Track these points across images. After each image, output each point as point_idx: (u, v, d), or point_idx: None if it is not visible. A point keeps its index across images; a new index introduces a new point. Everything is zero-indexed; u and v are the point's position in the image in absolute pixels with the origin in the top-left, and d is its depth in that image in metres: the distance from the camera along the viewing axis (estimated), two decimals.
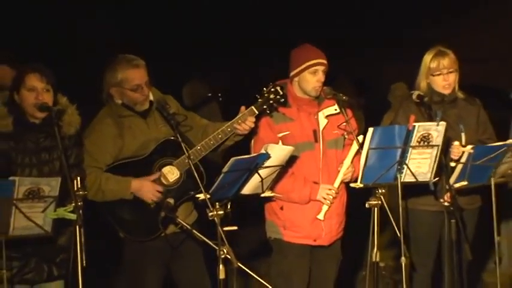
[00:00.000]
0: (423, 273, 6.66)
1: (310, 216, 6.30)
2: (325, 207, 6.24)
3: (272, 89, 6.09)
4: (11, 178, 5.18)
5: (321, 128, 6.33)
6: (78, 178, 5.39)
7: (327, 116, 6.35)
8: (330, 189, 6.21)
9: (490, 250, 7.07)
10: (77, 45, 20.07)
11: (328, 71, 6.37)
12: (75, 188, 5.32)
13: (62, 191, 5.27)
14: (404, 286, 6.13)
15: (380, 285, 6.31)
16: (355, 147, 6.12)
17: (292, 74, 6.34)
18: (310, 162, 6.29)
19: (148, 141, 6.06)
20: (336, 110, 6.34)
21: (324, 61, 6.30)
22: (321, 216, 6.26)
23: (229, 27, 24.19)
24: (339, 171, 6.27)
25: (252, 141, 6.29)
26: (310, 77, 6.26)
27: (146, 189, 5.93)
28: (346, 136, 6.29)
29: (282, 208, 6.36)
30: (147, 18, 23.17)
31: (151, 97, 6.14)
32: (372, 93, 10.92)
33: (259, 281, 5.94)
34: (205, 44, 22.31)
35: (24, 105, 5.62)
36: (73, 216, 5.28)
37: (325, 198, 6.21)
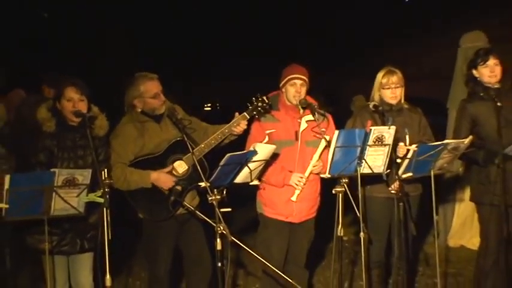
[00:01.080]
0: (377, 246, 6.67)
1: (284, 198, 6.39)
2: (297, 191, 6.35)
3: (260, 99, 6.21)
4: (52, 170, 5.25)
5: (301, 130, 6.40)
6: (105, 170, 5.46)
7: (307, 121, 6.43)
8: (301, 177, 6.32)
9: (429, 227, 7.10)
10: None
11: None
12: (103, 178, 5.40)
13: (92, 180, 5.34)
14: (362, 256, 6.21)
15: (343, 254, 6.37)
16: (322, 145, 6.22)
17: (280, 85, 6.47)
18: (289, 155, 6.36)
19: (162, 142, 6.12)
20: (312, 117, 6.41)
21: (302, 76, 6.39)
22: (293, 198, 6.36)
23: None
24: (309, 164, 6.39)
25: (248, 139, 6.36)
26: (291, 88, 6.37)
27: (163, 179, 6.00)
28: (321, 138, 6.37)
29: (264, 189, 6.48)
30: None
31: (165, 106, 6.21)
32: (338, 103, 10.95)
33: (248, 251, 6.03)
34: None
35: (64, 111, 5.70)
36: (101, 200, 5.34)
37: (296, 184, 6.33)
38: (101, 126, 5.86)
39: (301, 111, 6.44)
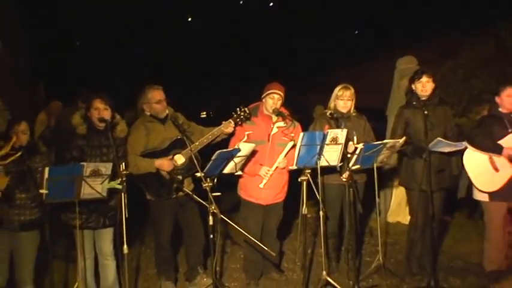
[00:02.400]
0: (332, 221, 6.66)
1: (255, 185, 6.41)
2: (264, 180, 6.36)
3: (242, 109, 6.23)
4: (81, 163, 5.27)
5: (272, 133, 6.40)
6: (123, 164, 5.46)
7: (278, 127, 6.44)
8: (268, 170, 6.34)
9: (373, 207, 7.10)
10: None
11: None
12: (121, 170, 5.39)
13: (113, 171, 5.34)
14: (321, 229, 6.23)
15: (307, 228, 6.36)
16: (289, 146, 6.25)
17: (262, 97, 6.45)
18: (262, 152, 6.35)
19: (165, 139, 6.13)
20: (283, 124, 6.44)
21: (280, 92, 6.38)
22: (261, 185, 6.38)
23: None
24: (276, 161, 6.40)
25: (231, 139, 6.36)
26: (269, 99, 6.36)
27: (165, 164, 6.05)
28: (291, 140, 6.38)
29: (242, 177, 6.49)
30: None
31: (167, 111, 6.21)
32: (303, 111, 10.93)
33: (233, 226, 6.02)
34: None
35: (92, 118, 5.71)
36: (119, 187, 5.36)
37: (264, 175, 6.34)
38: (122, 130, 5.92)
39: (275, 118, 6.44)
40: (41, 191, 5.05)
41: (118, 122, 5.90)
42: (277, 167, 6.38)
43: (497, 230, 6.31)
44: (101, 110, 5.74)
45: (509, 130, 6.13)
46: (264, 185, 6.39)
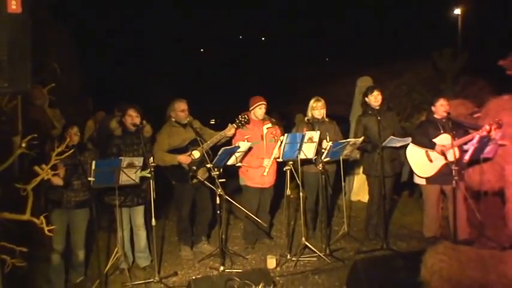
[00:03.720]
0: (310, 200, 6.67)
1: (259, 174, 6.40)
2: (266, 169, 6.36)
3: (243, 116, 6.21)
4: (119, 158, 5.28)
5: (264, 133, 6.41)
6: (151, 158, 5.44)
7: (267, 128, 6.44)
8: (268, 161, 6.34)
9: (340, 189, 7.09)
10: None
11: (267, 108, 6.50)
12: (150, 162, 5.38)
13: (144, 163, 5.33)
14: (301, 206, 6.23)
15: (290, 205, 6.35)
16: (278, 144, 6.22)
17: (250, 109, 6.43)
18: (260, 149, 6.36)
19: (185, 139, 6.09)
20: (270, 125, 6.45)
21: (264, 103, 6.40)
22: (265, 173, 6.37)
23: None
24: (272, 153, 6.37)
25: (233, 140, 6.32)
26: (258, 110, 6.37)
27: (184, 159, 6.02)
28: (276, 138, 6.36)
29: (247, 170, 6.43)
30: None
31: (188, 119, 6.18)
32: (288, 119, 10.89)
33: (235, 204, 6.02)
34: None
35: (126, 123, 5.69)
36: (149, 175, 5.38)
37: (267, 165, 6.34)
38: (147, 131, 5.86)
39: (263, 122, 6.45)
40: (89, 178, 5.04)
41: (145, 125, 5.84)
42: (274, 158, 6.38)
43: (433, 206, 6.32)
44: (133, 117, 5.73)
45: (441, 131, 6.12)
46: (266, 173, 6.39)
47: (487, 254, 4.10)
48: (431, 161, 6.16)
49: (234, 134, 6.29)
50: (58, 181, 5.10)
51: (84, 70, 9.68)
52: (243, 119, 6.19)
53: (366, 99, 6.51)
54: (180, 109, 6.14)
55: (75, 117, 7.16)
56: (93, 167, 5.01)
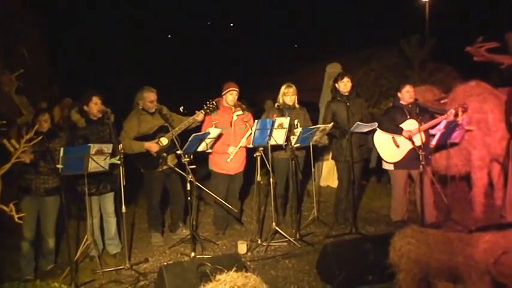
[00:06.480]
0: (280, 186, 6.69)
1: (224, 160, 6.43)
2: (231, 156, 6.40)
3: (210, 102, 6.21)
4: (88, 144, 5.23)
5: (233, 120, 6.42)
6: (120, 144, 5.43)
7: (237, 115, 6.46)
8: (233, 149, 6.38)
9: (309, 174, 7.13)
10: None
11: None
12: (119, 149, 5.37)
13: (112, 150, 5.31)
14: (271, 192, 6.27)
15: (261, 191, 6.39)
16: (248, 132, 6.29)
17: (222, 94, 6.44)
18: (227, 136, 6.37)
19: (153, 126, 6.09)
20: (241, 112, 6.48)
21: (236, 88, 6.42)
22: (228, 160, 6.41)
23: None
24: (239, 141, 6.42)
25: (202, 126, 6.33)
26: (229, 95, 6.39)
27: (153, 146, 6.02)
28: (248, 126, 6.39)
29: (213, 155, 6.48)
30: None
31: (156, 107, 6.14)
32: (257, 105, 10.88)
33: (205, 190, 6.07)
34: None
35: (92, 111, 5.65)
36: (119, 162, 5.36)
37: (231, 152, 6.38)
38: (110, 117, 5.76)
39: (233, 109, 6.46)
40: (57, 165, 5.01)
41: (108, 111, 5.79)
42: (241, 146, 6.41)
43: (400, 191, 6.44)
44: (99, 104, 5.67)
45: (408, 117, 6.24)
46: (230, 160, 6.41)
47: (454, 236, 4.20)
48: (398, 146, 6.27)
49: (203, 120, 6.30)
50: (26, 158, 4.96)
51: (51, 57, 9.55)
52: (211, 105, 6.20)
53: (336, 85, 6.57)
54: (149, 99, 6.11)
55: (42, 103, 7.08)
56: (61, 154, 4.98)
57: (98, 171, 5.32)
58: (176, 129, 6.01)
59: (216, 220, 6.74)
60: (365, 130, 6.37)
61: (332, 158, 6.88)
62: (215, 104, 6.22)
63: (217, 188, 6.50)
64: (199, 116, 6.19)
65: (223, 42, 34.20)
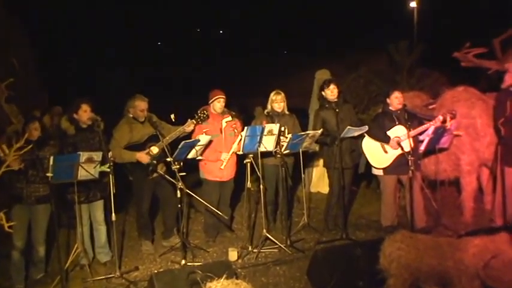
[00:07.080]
0: (270, 192, 6.70)
1: (217, 167, 6.41)
2: (224, 163, 6.38)
3: (201, 112, 6.22)
4: (78, 153, 5.23)
5: (223, 127, 6.43)
6: (110, 152, 5.43)
7: (226, 121, 6.46)
8: (226, 155, 6.37)
9: (300, 181, 7.17)
10: None
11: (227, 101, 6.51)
12: (109, 157, 5.36)
13: (102, 158, 5.30)
14: (262, 199, 6.29)
15: (251, 198, 6.42)
16: (238, 138, 6.27)
17: (209, 102, 6.44)
18: (218, 142, 6.37)
19: (144, 135, 6.07)
20: (230, 118, 6.49)
21: (223, 96, 6.42)
22: (222, 167, 6.40)
23: None
24: (231, 147, 6.41)
25: (192, 134, 6.32)
26: (217, 103, 6.40)
27: (143, 157, 5.96)
28: (236, 131, 6.40)
29: (205, 164, 6.45)
30: None
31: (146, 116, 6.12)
32: (247, 112, 10.82)
33: (196, 197, 6.06)
34: None
35: (82, 118, 5.64)
36: (108, 170, 5.35)
37: (224, 158, 6.37)
38: (100, 125, 5.75)
39: (222, 116, 6.46)
40: (47, 174, 5.00)
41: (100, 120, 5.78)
42: (233, 152, 6.42)
43: (390, 196, 6.47)
44: (89, 111, 5.65)
45: (396, 123, 6.28)
46: (224, 166, 6.41)
47: (444, 241, 4.23)
48: (386, 152, 6.31)
49: (194, 129, 6.29)
50: (15, 165, 4.92)
51: (40, 65, 9.53)
52: (202, 115, 6.20)
53: (323, 93, 6.59)
54: (140, 108, 6.08)
55: (35, 112, 7.07)
56: (51, 162, 4.97)
57: (88, 179, 5.32)
58: (167, 138, 5.98)
59: (207, 228, 6.73)
60: (356, 134, 6.39)
61: (324, 165, 6.88)
62: (206, 113, 6.22)
63: (211, 196, 6.48)
64: (189, 126, 6.17)
65: (212, 49, 34.31)
